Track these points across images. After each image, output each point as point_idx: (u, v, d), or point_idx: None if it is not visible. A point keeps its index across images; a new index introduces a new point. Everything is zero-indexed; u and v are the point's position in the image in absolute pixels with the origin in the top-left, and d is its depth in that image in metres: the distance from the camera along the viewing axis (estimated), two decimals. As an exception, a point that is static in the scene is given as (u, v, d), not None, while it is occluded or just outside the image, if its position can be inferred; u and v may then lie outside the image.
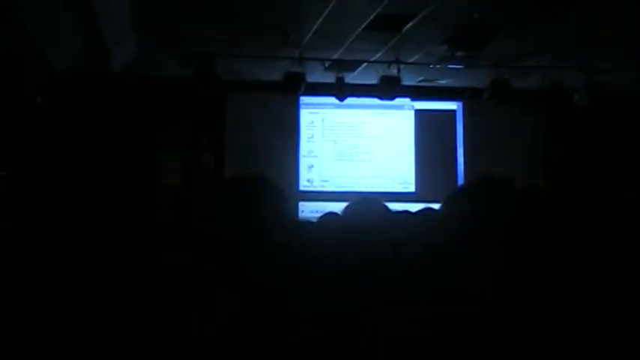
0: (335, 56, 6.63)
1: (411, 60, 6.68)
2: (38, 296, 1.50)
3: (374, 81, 6.96)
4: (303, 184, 8.26)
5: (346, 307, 1.52)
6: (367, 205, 1.90)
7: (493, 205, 1.79)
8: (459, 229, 1.71)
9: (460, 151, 8.51)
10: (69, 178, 6.82)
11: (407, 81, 7.01)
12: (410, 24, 5.46)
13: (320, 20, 5.35)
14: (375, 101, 7.19)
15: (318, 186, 8.31)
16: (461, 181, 8.44)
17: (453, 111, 8.55)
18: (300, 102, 8.10)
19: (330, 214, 2.05)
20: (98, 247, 1.68)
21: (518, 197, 1.85)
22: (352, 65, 6.93)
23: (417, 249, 1.63)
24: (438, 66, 6.80)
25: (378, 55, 6.56)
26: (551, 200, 1.87)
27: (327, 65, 6.86)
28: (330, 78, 6.98)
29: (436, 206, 1.99)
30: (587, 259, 1.71)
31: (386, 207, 1.94)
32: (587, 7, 4.96)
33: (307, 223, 1.95)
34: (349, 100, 7.25)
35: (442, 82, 7.80)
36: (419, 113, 8.46)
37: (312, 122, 8.35)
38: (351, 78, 7.15)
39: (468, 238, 1.65)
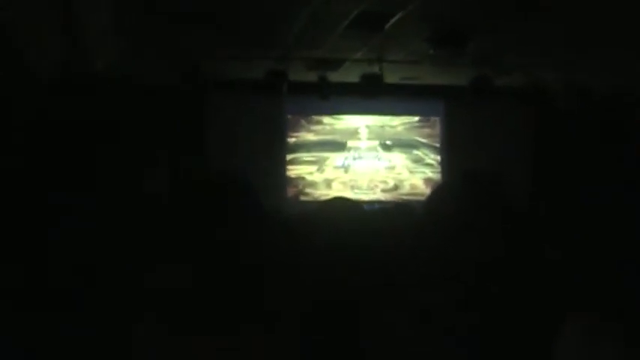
0: (317, 55, 6.58)
1: (394, 58, 6.64)
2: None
3: (357, 80, 6.92)
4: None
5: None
6: (341, 201, 1.87)
7: (475, 198, 1.77)
8: (431, 220, 1.68)
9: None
10: (55, 182, 6.71)
11: (389, 79, 6.97)
12: (392, 21, 5.42)
13: (302, 19, 5.31)
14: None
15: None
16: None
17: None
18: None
19: (306, 211, 2.02)
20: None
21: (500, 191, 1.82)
22: (334, 64, 6.87)
23: (386, 238, 1.61)
24: (421, 64, 6.77)
25: (361, 53, 6.52)
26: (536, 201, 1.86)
27: (309, 64, 6.81)
28: (312, 77, 6.93)
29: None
30: (571, 256, 1.69)
31: (360, 205, 1.91)
32: (573, 7, 4.94)
33: (278, 219, 1.92)
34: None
35: (425, 80, 7.78)
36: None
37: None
38: (333, 77, 7.12)
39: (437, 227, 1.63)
